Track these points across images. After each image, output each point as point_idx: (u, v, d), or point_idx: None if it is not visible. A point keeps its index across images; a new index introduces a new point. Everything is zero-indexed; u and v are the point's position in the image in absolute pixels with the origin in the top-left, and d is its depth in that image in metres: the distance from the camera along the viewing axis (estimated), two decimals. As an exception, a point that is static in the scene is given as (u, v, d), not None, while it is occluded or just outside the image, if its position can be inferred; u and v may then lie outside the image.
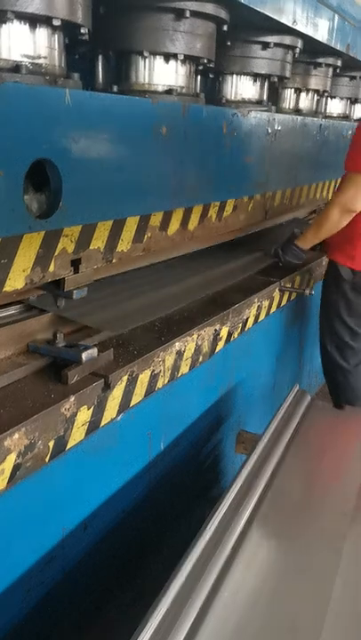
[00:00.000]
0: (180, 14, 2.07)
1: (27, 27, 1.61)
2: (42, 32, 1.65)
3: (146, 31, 2.10)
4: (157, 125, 1.91)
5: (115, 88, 2.11)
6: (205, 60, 2.28)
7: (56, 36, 1.70)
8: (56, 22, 1.62)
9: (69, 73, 1.77)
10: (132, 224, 1.89)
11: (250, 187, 2.69)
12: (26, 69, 1.58)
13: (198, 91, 2.49)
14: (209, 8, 2.14)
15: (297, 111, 3.56)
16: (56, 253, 1.60)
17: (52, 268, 1.60)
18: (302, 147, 3.21)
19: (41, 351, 1.75)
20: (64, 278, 1.66)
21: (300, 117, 3.17)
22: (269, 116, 2.74)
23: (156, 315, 2.20)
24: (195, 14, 2.10)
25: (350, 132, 3.92)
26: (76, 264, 1.68)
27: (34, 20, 1.61)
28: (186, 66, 2.24)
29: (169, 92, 2.20)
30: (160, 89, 2.21)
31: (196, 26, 2.16)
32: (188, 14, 2.06)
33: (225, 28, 2.32)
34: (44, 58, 1.67)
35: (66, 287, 1.67)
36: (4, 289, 1.46)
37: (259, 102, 2.93)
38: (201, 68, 2.37)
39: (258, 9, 2.32)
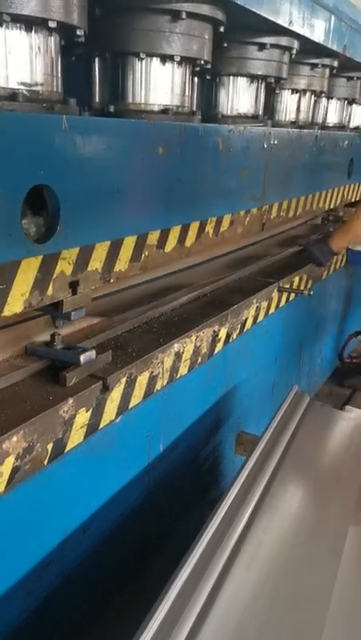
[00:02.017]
0: (176, 16, 2.07)
1: (24, 54, 1.62)
2: (39, 61, 1.66)
3: (145, 35, 2.11)
4: (154, 146, 1.90)
5: (111, 108, 2.13)
6: (202, 63, 2.29)
7: (53, 63, 1.71)
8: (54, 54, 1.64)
9: (66, 98, 1.78)
10: (129, 244, 1.88)
11: (246, 201, 2.67)
12: (23, 97, 1.59)
13: (195, 109, 2.49)
14: (205, 9, 2.14)
15: (293, 123, 3.56)
16: (54, 277, 1.59)
17: (50, 291, 1.58)
18: (298, 159, 3.18)
19: (39, 353, 1.75)
20: (62, 300, 1.65)
21: (295, 130, 3.15)
22: (265, 131, 2.73)
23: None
24: (191, 15, 2.10)
25: (346, 142, 3.94)
26: (74, 286, 1.67)
27: (30, 36, 1.62)
28: (182, 78, 2.25)
29: (165, 111, 2.20)
30: (156, 109, 2.21)
31: (193, 27, 2.16)
32: (184, 15, 2.06)
33: (221, 29, 2.32)
34: (41, 85, 1.68)
35: (64, 309, 1.67)
36: (3, 313, 1.45)
37: (255, 117, 2.92)
38: (197, 76, 2.36)
39: (254, 10, 2.32)
